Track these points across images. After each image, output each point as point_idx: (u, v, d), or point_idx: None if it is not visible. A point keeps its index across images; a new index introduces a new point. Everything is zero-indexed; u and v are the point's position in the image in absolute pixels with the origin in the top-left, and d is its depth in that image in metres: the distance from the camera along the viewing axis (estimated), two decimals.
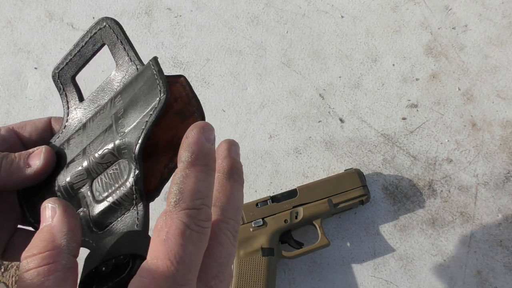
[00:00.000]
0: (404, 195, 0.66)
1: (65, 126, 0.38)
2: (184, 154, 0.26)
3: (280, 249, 0.61)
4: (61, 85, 0.38)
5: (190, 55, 0.75)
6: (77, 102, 0.38)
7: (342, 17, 0.76)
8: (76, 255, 0.27)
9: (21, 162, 0.34)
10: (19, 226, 0.39)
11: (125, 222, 0.33)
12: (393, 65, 0.72)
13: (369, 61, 0.73)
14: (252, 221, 0.62)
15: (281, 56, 0.74)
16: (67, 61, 0.38)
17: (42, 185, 0.36)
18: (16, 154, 0.35)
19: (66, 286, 0.25)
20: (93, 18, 0.77)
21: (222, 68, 0.74)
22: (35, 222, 0.36)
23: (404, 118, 0.70)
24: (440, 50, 0.73)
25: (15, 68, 0.75)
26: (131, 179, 0.32)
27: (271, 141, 0.70)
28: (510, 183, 0.66)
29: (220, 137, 0.76)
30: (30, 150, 0.35)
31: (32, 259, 0.26)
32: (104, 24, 0.36)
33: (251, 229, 0.61)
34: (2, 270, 1.11)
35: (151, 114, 0.31)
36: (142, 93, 0.33)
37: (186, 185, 0.26)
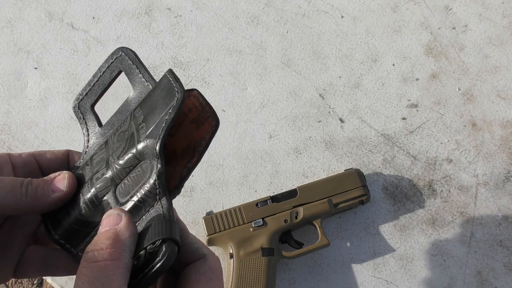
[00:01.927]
0: (404, 195, 0.66)
1: (85, 152, 0.39)
2: None
3: (280, 249, 0.61)
4: (81, 115, 0.40)
5: (190, 55, 0.75)
6: (97, 128, 0.39)
7: (342, 17, 0.76)
8: (132, 258, 0.31)
9: (46, 188, 0.35)
10: (37, 244, 0.40)
11: (150, 217, 0.34)
12: (393, 65, 0.72)
13: (369, 61, 0.73)
14: (252, 221, 0.62)
15: (281, 56, 0.74)
16: (86, 92, 0.40)
17: (67, 203, 0.37)
18: (40, 180, 0.36)
19: (125, 283, 0.29)
20: (93, 18, 0.77)
21: (222, 68, 0.74)
22: (61, 238, 0.37)
23: (404, 118, 0.70)
24: (440, 50, 0.73)
25: (15, 68, 0.75)
26: (153, 175, 0.33)
27: (271, 141, 0.70)
28: (510, 183, 0.66)
29: (220, 137, 0.76)
30: (52, 175, 0.36)
31: (100, 252, 0.29)
32: (120, 53, 0.38)
33: (251, 229, 0.61)
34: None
35: (170, 112, 0.33)
36: (161, 98, 0.35)
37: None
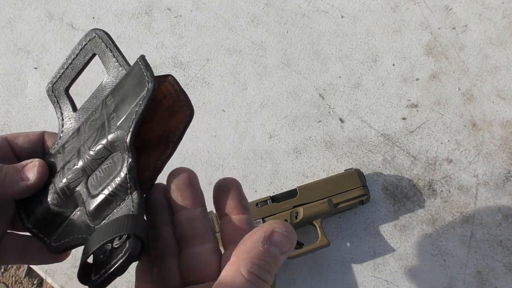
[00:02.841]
0: (404, 195, 0.66)
1: (60, 137, 0.38)
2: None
3: None
4: (55, 98, 0.39)
5: (190, 55, 0.75)
6: (71, 112, 0.39)
7: (342, 17, 0.76)
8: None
9: (15, 176, 0.35)
10: (8, 230, 0.40)
11: (121, 211, 0.33)
12: (393, 65, 0.72)
13: (369, 61, 0.73)
14: None
15: (281, 56, 0.74)
16: (59, 75, 0.39)
17: (40, 191, 0.36)
18: (11, 166, 0.35)
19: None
20: (93, 18, 0.77)
21: (222, 68, 0.74)
22: (34, 227, 0.37)
23: (404, 118, 0.70)
24: (440, 50, 0.73)
25: (15, 68, 0.75)
26: (124, 169, 0.33)
27: (271, 141, 0.70)
28: (510, 183, 0.66)
29: (220, 137, 0.76)
30: (24, 163, 0.36)
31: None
32: (94, 35, 0.37)
33: None
34: (2, 270, 1.11)
35: (140, 103, 0.32)
36: (131, 87, 0.34)
37: None
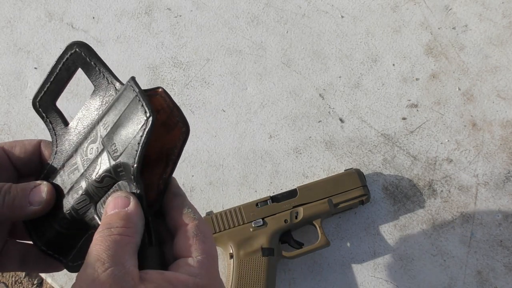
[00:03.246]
0: (404, 195, 0.66)
1: (55, 152, 0.38)
2: (179, 191, 0.37)
3: (280, 249, 0.61)
4: (43, 114, 0.38)
5: (190, 55, 0.75)
6: (63, 127, 0.38)
7: (342, 17, 0.76)
8: (141, 238, 0.33)
9: (24, 200, 0.35)
10: (15, 240, 0.40)
11: None
12: (393, 65, 0.72)
13: (369, 61, 0.73)
14: (252, 221, 0.62)
15: (281, 56, 0.74)
16: (44, 90, 0.38)
17: (48, 214, 0.36)
18: (19, 189, 0.35)
19: (133, 259, 0.31)
20: (93, 18, 0.77)
21: (222, 68, 0.74)
22: (48, 249, 0.37)
23: (404, 118, 0.70)
24: (440, 50, 0.73)
25: (15, 68, 0.75)
26: None
27: (271, 141, 0.70)
28: (510, 183, 0.66)
29: (220, 137, 0.76)
30: (32, 185, 0.36)
31: (117, 229, 0.31)
32: (74, 49, 0.36)
33: (251, 229, 0.61)
34: None
35: (141, 135, 0.32)
36: (128, 114, 0.33)
37: (193, 208, 0.36)
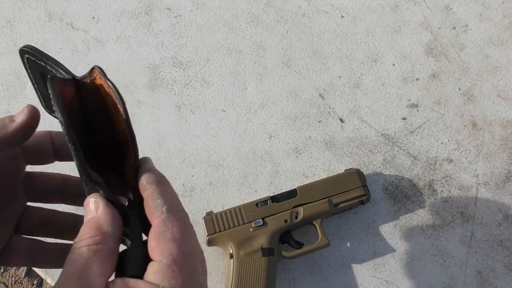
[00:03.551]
0: (404, 195, 0.66)
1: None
2: (151, 177, 0.32)
3: (280, 249, 0.61)
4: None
5: (190, 55, 0.75)
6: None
7: (342, 17, 0.75)
8: (119, 241, 0.31)
9: (6, 119, 0.35)
10: (21, 235, 0.40)
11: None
12: (393, 65, 0.72)
13: (369, 61, 0.73)
14: (252, 221, 0.61)
15: (281, 56, 0.74)
16: (40, 95, 0.38)
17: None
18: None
19: (108, 266, 0.29)
20: (93, 18, 0.77)
21: (222, 68, 0.74)
22: None
23: (404, 118, 0.70)
24: (440, 50, 0.73)
25: (15, 68, 0.75)
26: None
27: (271, 141, 0.70)
28: (510, 183, 0.65)
29: (220, 137, 0.76)
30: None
31: (84, 240, 0.30)
32: (25, 56, 0.36)
33: (251, 229, 0.61)
34: (2, 270, 1.11)
35: (57, 110, 0.31)
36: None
37: (167, 197, 0.31)
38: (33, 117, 0.35)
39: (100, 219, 0.30)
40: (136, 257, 0.31)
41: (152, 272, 0.29)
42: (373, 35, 0.74)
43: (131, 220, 0.32)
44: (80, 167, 0.30)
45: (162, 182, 0.32)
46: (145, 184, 0.31)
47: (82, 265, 0.28)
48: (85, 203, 0.32)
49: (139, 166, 0.32)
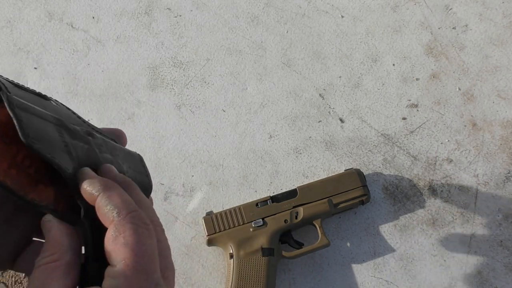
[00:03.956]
0: (404, 195, 0.66)
1: None
2: (95, 185, 0.31)
3: (280, 249, 0.61)
4: None
5: (190, 55, 0.75)
6: None
7: (342, 17, 0.75)
8: (77, 254, 0.31)
9: None
10: (35, 239, 0.39)
11: None
12: (393, 65, 0.72)
13: (369, 61, 0.73)
14: (252, 221, 0.61)
15: (281, 56, 0.74)
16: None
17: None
18: None
19: (68, 280, 0.30)
20: (93, 18, 0.77)
21: (222, 68, 0.74)
22: None
23: (404, 118, 0.70)
24: (440, 50, 0.73)
25: (15, 68, 0.75)
26: None
27: (271, 141, 0.70)
28: (510, 183, 0.65)
29: (220, 137, 0.76)
30: None
31: (43, 259, 0.30)
32: None
33: (251, 229, 0.61)
34: (2, 270, 1.11)
35: None
36: None
37: (115, 201, 0.31)
38: None
39: (56, 236, 0.31)
40: (92, 266, 0.31)
41: (108, 277, 0.29)
42: (373, 35, 0.74)
43: (84, 230, 0.32)
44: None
45: (107, 187, 0.31)
46: (90, 192, 0.31)
47: (42, 283, 0.29)
48: (41, 224, 0.32)
49: (75, 176, 0.32)
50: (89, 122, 0.39)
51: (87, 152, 0.34)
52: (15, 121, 0.30)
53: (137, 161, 0.40)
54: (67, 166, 0.32)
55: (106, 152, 0.36)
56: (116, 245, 0.29)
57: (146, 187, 0.38)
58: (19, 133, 0.29)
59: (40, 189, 0.33)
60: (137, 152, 0.40)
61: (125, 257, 0.29)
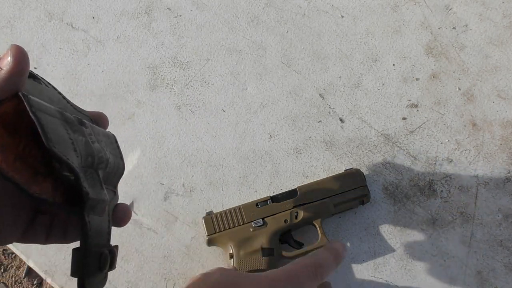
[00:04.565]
0: (404, 195, 0.66)
1: None
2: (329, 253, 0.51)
3: (280, 249, 0.61)
4: None
5: (190, 55, 0.75)
6: None
7: (342, 17, 0.75)
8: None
9: None
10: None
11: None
12: (393, 65, 0.72)
13: (369, 61, 0.73)
14: (252, 221, 0.61)
15: (281, 56, 0.74)
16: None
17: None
18: None
19: None
20: (93, 18, 0.77)
21: (222, 68, 0.74)
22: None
23: (404, 118, 0.70)
24: (440, 50, 0.73)
25: None
26: None
27: (271, 141, 0.70)
28: (510, 183, 0.65)
29: (220, 137, 0.76)
30: None
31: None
32: None
33: (251, 229, 0.61)
34: (2, 270, 1.11)
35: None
36: None
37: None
38: (20, 61, 0.32)
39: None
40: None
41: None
42: (373, 35, 0.74)
43: (82, 219, 0.33)
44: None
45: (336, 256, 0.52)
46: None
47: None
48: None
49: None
50: (70, 101, 0.39)
51: (85, 145, 0.35)
52: (38, 127, 0.29)
53: (113, 142, 0.40)
54: (76, 164, 0.32)
55: (95, 141, 0.37)
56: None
57: (121, 170, 0.40)
58: (43, 139, 0.29)
59: (39, 181, 0.33)
60: (112, 133, 0.41)
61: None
